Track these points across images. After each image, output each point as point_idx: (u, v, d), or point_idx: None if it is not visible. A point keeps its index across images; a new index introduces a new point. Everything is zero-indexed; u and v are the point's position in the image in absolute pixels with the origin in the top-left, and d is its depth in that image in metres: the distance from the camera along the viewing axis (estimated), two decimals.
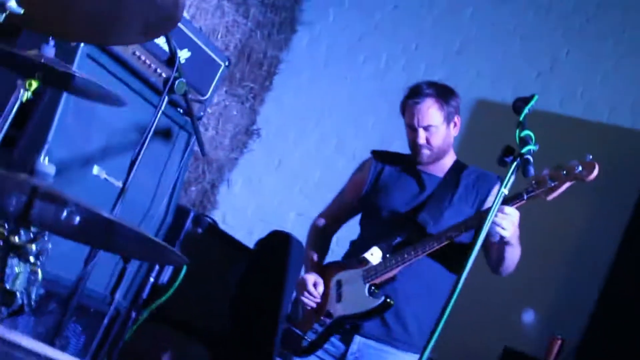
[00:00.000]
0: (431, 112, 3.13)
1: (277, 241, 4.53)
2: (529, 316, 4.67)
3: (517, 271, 4.85)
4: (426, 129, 3.13)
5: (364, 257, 3.09)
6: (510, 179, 2.35)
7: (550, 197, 2.74)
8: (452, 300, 2.24)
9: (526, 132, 2.41)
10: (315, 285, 3.20)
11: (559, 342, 4.24)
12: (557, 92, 5.37)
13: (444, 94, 3.17)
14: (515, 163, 2.36)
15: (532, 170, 2.36)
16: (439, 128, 3.15)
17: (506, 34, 5.70)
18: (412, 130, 3.18)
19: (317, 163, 6.01)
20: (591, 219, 4.92)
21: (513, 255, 3.03)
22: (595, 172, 2.68)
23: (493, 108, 5.44)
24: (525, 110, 2.47)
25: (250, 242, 4.87)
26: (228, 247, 4.67)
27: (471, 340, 4.88)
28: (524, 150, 2.36)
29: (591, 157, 2.69)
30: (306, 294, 3.20)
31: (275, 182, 6.11)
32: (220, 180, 6.07)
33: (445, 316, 2.22)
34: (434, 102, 3.14)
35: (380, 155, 3.43)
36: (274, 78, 6.29)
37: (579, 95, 5.33)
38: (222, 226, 5.06)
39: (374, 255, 3.06)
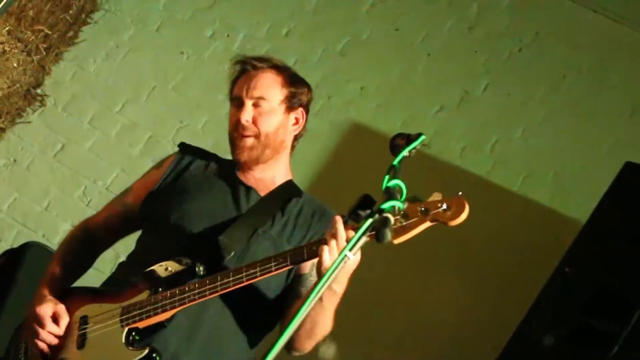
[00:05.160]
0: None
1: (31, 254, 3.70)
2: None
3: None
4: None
5: (133, 281, 2.43)
6: (360, 239, 1.72)
7: (398, 241, 2.06)
8: None
9: (396, 182, 1.86)
10: (55, 318, 2.47)
11: None
12: (459, 135, 4.02)
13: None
14: (370, 220, 1.75)
15: (388, 236, 1.76)
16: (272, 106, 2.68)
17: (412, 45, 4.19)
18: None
19: (115, 161, 4.44)
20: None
21: (325, 319, 2.35)
22: (465, 214, 2.03)
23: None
24: (404, 152, 1.95)
25: None
26: None
27: None
28: (385, 206, 1.77)
29: (461, 193, 2.01)
30: (41, 332, 2.46)
31: (48, 174, 4.53)
32: None
33: None
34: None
35: (191, 150, 2.73)
36: (83, 29, 4.68)
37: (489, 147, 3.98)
38: None
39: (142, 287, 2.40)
